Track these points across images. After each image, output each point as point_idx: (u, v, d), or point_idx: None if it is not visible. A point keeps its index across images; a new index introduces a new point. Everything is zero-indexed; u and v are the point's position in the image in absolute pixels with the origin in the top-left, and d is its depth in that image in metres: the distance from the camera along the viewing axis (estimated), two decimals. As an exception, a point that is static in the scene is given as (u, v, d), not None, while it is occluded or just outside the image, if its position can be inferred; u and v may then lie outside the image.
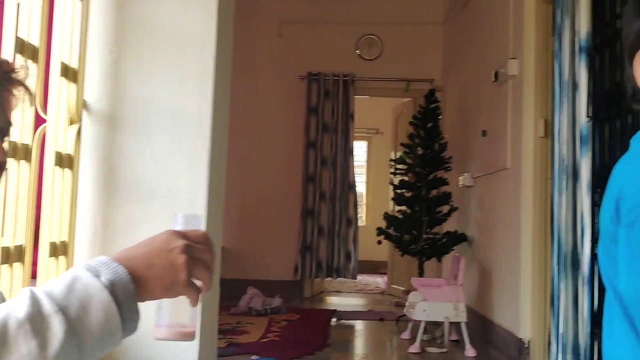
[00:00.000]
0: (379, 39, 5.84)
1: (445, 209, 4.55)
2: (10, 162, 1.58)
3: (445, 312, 3.58)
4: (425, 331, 3.74)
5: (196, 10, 1.87)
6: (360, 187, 9.34)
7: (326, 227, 5.54)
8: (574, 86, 2.33)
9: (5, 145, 0.85)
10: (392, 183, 4.77)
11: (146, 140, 1.88)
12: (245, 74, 5.70)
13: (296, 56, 5.75)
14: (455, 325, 3.72)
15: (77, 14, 1.91)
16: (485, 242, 4.11)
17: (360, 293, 6.29)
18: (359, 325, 4.41)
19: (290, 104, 5.71)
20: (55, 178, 1.81)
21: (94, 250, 1.92)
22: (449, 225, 4.73)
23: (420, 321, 3.60)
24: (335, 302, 5.52)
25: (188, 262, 0.73)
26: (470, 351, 3.47)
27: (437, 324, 3.76)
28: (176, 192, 1.85)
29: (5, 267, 1.57)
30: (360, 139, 9.14)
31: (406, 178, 4.73)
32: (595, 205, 2.11)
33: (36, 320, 0.61)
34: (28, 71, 0.87)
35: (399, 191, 4.62)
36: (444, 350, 3.54)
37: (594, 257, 2.12)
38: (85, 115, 1.95)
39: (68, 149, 1.88)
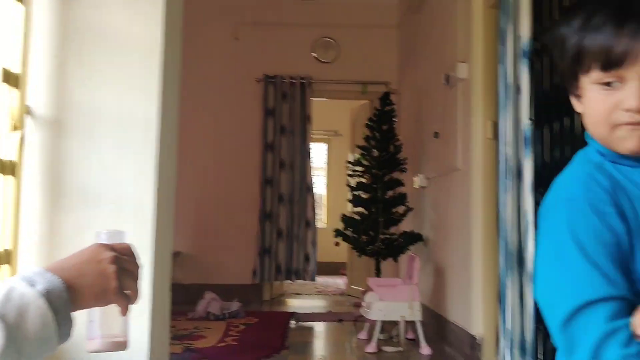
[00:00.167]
0: (335, 41, 5.89)
1: (401, 209, 4.62)
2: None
3: (400, 311, 3.63)
4: (382, 330, 3.79)
5: (142, 14, 1.86)
6: (320, 189, 9.38)
7: (285, 230, 5.55)
8: (517, 89, 2.41)
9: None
10: (349, 185, 4.81)
11: (92, 146, 1.86)
12: (201, 77, 5.66)
13: (252, 59, 5.74)
14: (411, 324, 3.78)
15: (19, 18, 1.87)
16: (439, 242, 4.20)
17: (320, 295, 6.32)
18: (318, 327, 4.43)
19: (247, 107, 5.70)
20: (-3, 185, 1.77)
21: (41, 258, 1.88)
22: (405, 226, 4.81)
23: (376, 321, 3.65)
24: (294, 304, 5.53)
25: (117, 271, 0.78)
26: (425, 349, 3.53)
27: (394, 323, 3.82)
28: (123, 198, 1.83)
29: (-57, 278, 1.53)
30: (319, 141, 9.19)
31: (363, 180, 4.78)
32: (537, 204, 2.19)
33: None
34: None
35: (355, 193, 4.67)
36: (400, 349, 3.60)
37: (537, 254, 2.19)
38: (29, 121, 1.91)
39: (10, 155, 1.84)
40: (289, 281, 5.75)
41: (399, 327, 3.67)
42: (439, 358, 3.44)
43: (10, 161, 1.84)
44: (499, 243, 2.52)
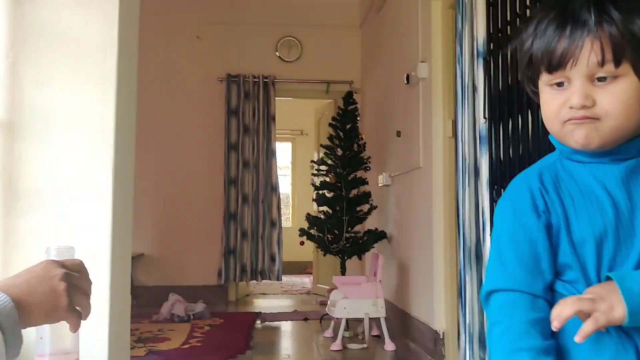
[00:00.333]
0: (298, 41, 5.90)
1: (365, 207, 4.66)
2: None
3: (365, 309, 3.67)
4: (347, 328, 3.82)
5: (96, 14, 1.83)
6: (286, 188, 9.38)
7: (250, 230, 5.53)
8: (474, 89, 2.46)
9: None
10: (313, 184, 4.83)
11: (46, 148, 1.82)
12: (162, 76, 5.60)
13: (215, 58, 5.70)
14: (376, 321, 3.82)
15: (-32, 17, 1.82)
16: (402, 239, 4.25)
17: (286, 294, 6.33)
18: (284, 326, 4.44)
19: (209, 107, 5.66)
20: (-53, 189, 1.73)
21: (-5, 263, 1.84)
22: (370, 224, 4.85)
23: (341, 319, 3.67)
24: (260, 304, 5.52)
25: (68, 288, 0.78)
26: (389, 345, 3.57)
27: (359, 321, 3.85)
28: (79, 201, 1.80)
29: None
30: (284, 140, 9.18)
31: (327, 179, 4.80)
32: (494, 201, 2.24)
33: None
34: None
35: (320, 192, 4.69)
36: (365, 346, 3.63)
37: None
38: (-20, 122, 1.86)
39: (-39, 158, 1.79)
40: (254, 281, 5.74)
41: (364, 324, 3.70)
42: (403, 354, 3.49)
43: (-39, 164, 1.79)
44: (458, 239, 2.57)
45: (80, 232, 1.79)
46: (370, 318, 3.70)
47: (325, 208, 4.73)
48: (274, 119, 5.68)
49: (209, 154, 5.61)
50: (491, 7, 2.28)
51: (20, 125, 1.87)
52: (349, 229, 4.55)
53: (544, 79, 0.88)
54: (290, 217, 9.33)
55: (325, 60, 5.88)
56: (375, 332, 3.88)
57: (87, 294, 0.82)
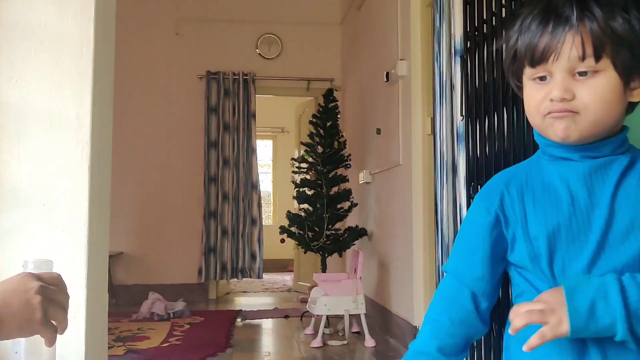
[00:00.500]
0: (278, 38, 5.89)
1: (346, 205, 4.67)
2: None
3: (345, 306, 3.69)
4: (327, 325, 3.84)
5: (72, 10, 1.81)
6: (268, 186, 9.37)
7: (230, 228, 5.52)
8: (452, 86, 2.48)
9: None
10: (294, 181, 4.83)
11: (22, 145, 1.80)
12: (141, 74, 5.56)
13: (194, 55, 5.67)
14: (356, 318, 3.84)
15: (-60, 13, 1.79)
16: (382, 236, 4.27)
17: (267, 292, 6.32)
18: (265, 323, 4.44)
19: (189, 104, 5.63)
20: None
21: (-31, 263, 1.81)
22: (351, 221, 4.87)
23: (322, 316, 3.69)
24: (241, 302, 5.52)
25: (43, 302, 0.78)
26: (369, 341, 3.59)
27: (340, 318, 3.87)
28: (55, 199, 1.78)
29: None
30: (265, 137, 9.17)
31: (308, 176, 4.81)
32: (471, 197, 2.27)
33: None
34: None
35: (300, 189, 4.69)
36: (345, 342, 3.65)
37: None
38: (-47, 120, 1.83)
39: None
40: (235, 279, 5.72)
41: (344, 321, 3.72)
42: (383, 350, 3.51)
43: None
44: (437, 236, 2.59)
45: (56, 230, 1.77)
46: (350, 315, 3.72)
47: (305, 205, 4.74)
48: (254, 116, 5.67)
49: (189, 152, 5.58)
50: (468, 6, 2.30)
51: (-6, 122, 1.84)
52: (330, 226, 4.56)
53: (528, 73, 0.90)
54: (272, 215, 9.32)
55: (305, 57, 5.88)
56: (355, 329, 3.91)
57: (63, 307, 0.81)
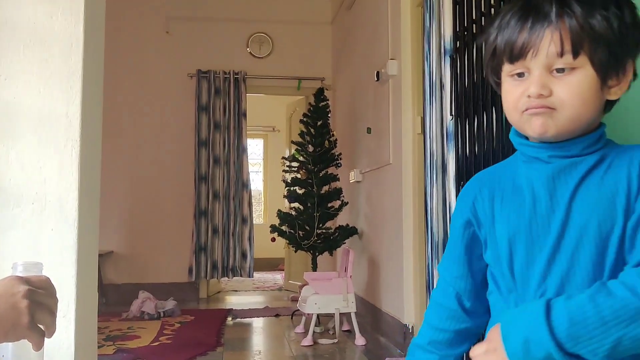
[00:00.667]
0: (269, 37, 5.88)
1: (336, 204, 4.68)
2: None
3: (335, 304, 3.69)
4: (318, 323, 3.84)
5: (61, 9, 1.80)
6: (258, 185, 9.36)
7: (220, 227, 5.51)
8: (441, 86, 2.50)
9: None
10: (284, 180, 4.83)
11: (11, 144, 1.79)
12: (131, 72, 5.53)
13: (185, 53, 5.65)
14: (347, 316, 3.85)
15: None
16: (373, 234, 4.29)
17: (258, 291, 6.32)
18: (255, 322, 4.44)
19: (179, 103, 5.61)
20: None
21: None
22: (342, 220, 4.88)
23: (312, 314, 3.69)
24: (232, 301, 5.51)
25: (30, 306, 0.76)
26: (360, 340, 3.60)
27: (330, 316, 3.88)
28: (45, 197, 1.77)
29: None
30: (256, 136, 9.16)
31: (298, 175, 4.81)
32: (460, 196, 2.28)
33: None
34: None
35: (291, 188, 4.70)
36: (336, 340, 3.66)
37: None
38: (-59, 118, 1.82)
39: None
40: (226, 278, 5.72)
41: (334, 319, 3.73)
42: (373, 348, 3.53)
43: None
44: (426, 234, 2.60)
45: (46, 229, 1.77)
46: (341, 313, 3.73)
47: (296, 204, 4.74)
48: (245, 115, 5.66)
49: (179, 151, 5.57)
50: (457, 6, 2.32)
51: (-17, 121, 1.83)
52: (320, 225, 4.57)
53: (506, 69, 0.90)
54: (263, 214, 9.31)
55: (296, 56, 5.88)
56: (346, 327, 3.92)
57: (51, 311, 0.80)
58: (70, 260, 1.76)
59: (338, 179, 4.71)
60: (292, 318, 4.43)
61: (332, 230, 4.59)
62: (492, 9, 2.06)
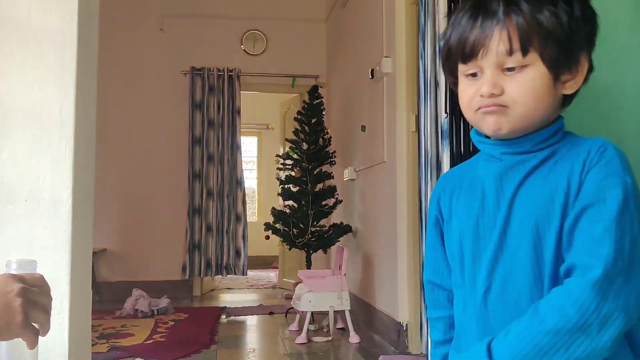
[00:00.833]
0: (263, 34, 5.87)
1: (331, 201, 4.68)
2: None
3: (330, 302, 3.70)
4: (312, 321, 3.84)
5: (55, 5, 1.79)
6: (252, 182, 9.34)
7: (214, 225, 5.50)
8: (436, 84, 2.50)
9: None
10: (278, 178, 4.83)
11: (3, 141, 1.78)
12: (125, 69, 5.51)
13: (179, 51, 5.63)
14: (341, 314, 3.85)
15: None
16: (367, 232, 4.29)
17: (252, 289, 6.31)
18: (249, 320, 4.43)
19: (173, 100, 5.59)
20: None
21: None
22: (336, 217, 4.88)
23: (307, 312, 3.70)
24: (226, 299, 5.50)
25: (24, 304, 0.76)
26: (354, 337, 3.61)
27: (324, 314, 3.88)
28: (39, 195, 1.76)
29: None
30: (250, 134, 9.14)
31: (292, 173, 4.81)
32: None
33: None
34: None
35: (285, 186, 4.69)
36: (330, 338, 3.66)
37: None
38: None
39: None
40: (220, 276, 5.71)
41: (329, 317, 3.73)
42: (367, 345, 3.53)
43: None
44: (421, 232, 2.61)
45: (39, 226, 1.76)
46: (335, 311, 3.73)
47: (290, 202, 4.74)
48: (239, 112, 5.65)
49: (173, 148, 5.55)
50: (452, 3, 2.32)
51: (-24, 117, 1.81)
52: (315, 223, 4.57)
53: (461, 69, 0.90)
54: (256, 212, 9.30)
55: (290, 54, 5.87)
56: (340, 325, 3.92)
57: (45, 310, 0.79)
58: (64, 258, 1.75)
59: (332, 177, 4.71)
60: (286, 316, 4.43)
61: (326, 228, 4.59)
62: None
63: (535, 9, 0.83)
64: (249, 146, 9.27)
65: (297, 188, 4.64)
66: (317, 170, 4.66)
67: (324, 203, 4.65)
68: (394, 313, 3.48)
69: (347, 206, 4.78)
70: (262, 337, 3.96)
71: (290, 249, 4.78)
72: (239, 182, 5.59)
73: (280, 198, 4.86)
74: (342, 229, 4.52)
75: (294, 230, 4.53)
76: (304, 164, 4.65)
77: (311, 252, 4.58)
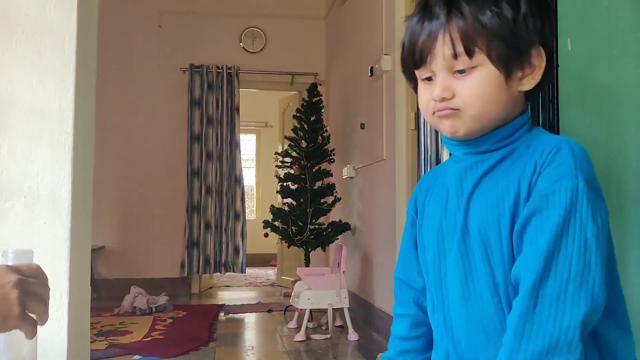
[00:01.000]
0: (262, 32, 5.86)
1: (329, 199, 4.68)
2: None
3: (328, 300, 3.70)
4: (311, 319, 3.84)
5: (54, 0, 1.79)
6: (251, 180, 9.34)
7: (213, 222, 5.49)
8: (436, 81, 2.49)
9: None
10: (277, 176, 4.82)
11: (3, 137, 1.77)
12: (123, 66, 5.50)
13: (177, 48, 5.62)
14: (339, 311, 3.85)
15: None
16: (366, 230, 4.29)
17: (250, 286, 6.31)
18: (248, 317, 4.43)
19: (172, 97, 5.58)
20: None
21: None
22: (334, 215, 4.88)
23: (305, 310, 3.69)
24: (224, 296, 5.50)
25: (21, 296, 0.75)
26: (352, 335, 3.61)
27: (323, 312, 3.88)
28: (38, 191, 1.76)
29: None
30: (249, 132, 9.13)
31: (291, 171, 4.81)
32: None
33: None
34: None
35: (284, 184, 4.69)
36: (328, 336, 3.66)
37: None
38: None
39: None
40: (218, 274, 5.70)
41: (327, 315, 3.73)
42: (366, 343, 3.53)
43: None
44: (420, 230, 2.61)
45: (38, 222, 1.76)
46: (333, 309, 3.73)
47: (289, 200, 4.74)
48: (237, 110, 5.64)
49: (172, 145, 5.54)
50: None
51: (-26, 113, 1.81)
52: (313, 220, 4.57)
53: (417, 74, 0.89)
54: (255, 209, 9.30)
55: (289, 51, 5.86)
56: (338, 323, 3.92)
57: (43, 300, 0.78)
58: (62, 254, 1.75)
59: (331, 175, 4.71)
60: (284, 313, 4.43)
61: (325, 226, 4.59)
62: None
63: (477, 10, 0.81)
64: (247, 144, 9.26)
65: (296, 186, 4.64)
66: (316, 168, 4.66)
67: (322, 201, 4.65)
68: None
69: (346, 204, 4.77)
70: (261, 335, 3.96)
71: (289, 247, 4.78)
72: (237, 180, 5.59)
73: (279, 196, 4.85)
74: (341, 227, 4.52)
75: (292, 228, 4.53)
76: (302, 161, 4.65)
77: (310, 249, 4.58)
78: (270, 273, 7.40)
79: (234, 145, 5.60)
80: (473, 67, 0.82)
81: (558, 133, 1.75)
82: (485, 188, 0.84)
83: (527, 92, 0.87)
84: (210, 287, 5.96)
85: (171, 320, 4.13)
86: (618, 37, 1.58)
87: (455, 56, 0.82)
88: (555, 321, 0.71)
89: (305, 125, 4.68)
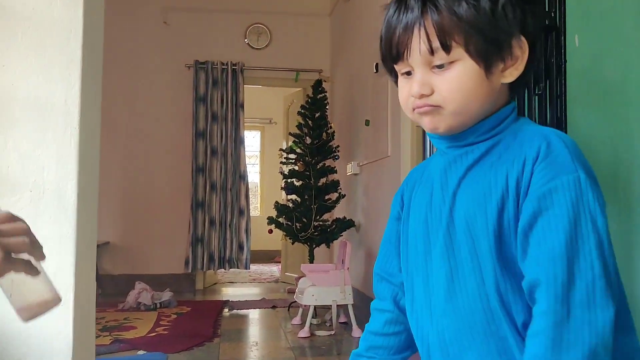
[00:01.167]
0: (267, 28, 5.85)
1: (334, 196, 4.68)
2: None
3: (332, 296, 3.70)
4: (315, 315, 3.85)
5: (60, -5, 1.79)
6: (255, 177, 9.34)
7: (217, 218, 5.50)
8: (442, 78, 2.48)
9: None
10: (281, 172, 4.82)
11: (8, 132, 1.77)
12: (129, 62, 5.50)
13: (182, 44, 5.62)
14: (344, 308, 3.85)
15: None
16: (370, 227, 4.29)
17: (254, 282, 6.32)
18: (252, 313, 4.44)
19: (177, 93, 5.59)
20: None
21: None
22: (339, 212, 4.88)
23: (309, 306, 3.70)
24: (229, 292, 5.51)
25: None
26: (357, 332, 3.61)
27: (327, 308, 3.88)
28: (43, 186, 1.76)
29: None
30: (253, 128, 9.13)
31: (296, 167, 4.80)
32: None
33: None
34: None
35: (288, 180, 4.69)
36: (333, 332, 3.66)
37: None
38: (-63, 105, 1.80)
39: None
40: (222, 270, 5.71)
41: (331, 311, 3.73)
42: (369, 340, 3.53)
43: None
44: (425, 227, 2.60)
45: (44, 217, 1.76)
46: (338, 305, 3.73)
47: (293, 196, 4.74)
48: (242, 106, 5.64)
49: (177, 142, 5.55)
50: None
51: (-20, 108, 1.81)
52: (318, 217, 4.56)
53: (396, 68, 0.86)
54: (259, 206, 9.30)
55: (294, 48, 5.85)
56: (342, 319, 3.92)
57: (22, 234, 0.77)
58: (68, 249, 1.75)
59: (335, 172, 4.70)
60: (289, 310, 4.43)
61: (329, 223, 4.58)
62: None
63: (453, 2, 0.78)
64: (252, 140, 9.26)
65: (301, 182, 4.64)
66: (321, 164, 4.65)
67: (327, 197, 4.65)
68: (397, 308, 3.47)
69: (350, 201, 4.77)
70: (265, 331, 3.96)
71: (293, 243, 4.78)
72: (242, 176, 5.59)
73: (283, 192, 4.85)
74: (345, 224, 4.51)
75: (296, 224, 4.53)
76: (307, 158, 4.65)
77: (314, 246, 4.58)
78: (274, 269, 7.40)
79: (239, 142, 5.60)
80: (451, 62, 0.79)
81: (566, 129, 1.74)
82: (471, 181, 0.82)
83: (510, 83, 0.84)
84: (215, 283, 5.97)
85: (175, 316, 4.14)
86: (625, 34, 1.57)
87: (432, 52, 0.79)
88: (591, 326, 0.69)
89: (310, 122, 4.67)
